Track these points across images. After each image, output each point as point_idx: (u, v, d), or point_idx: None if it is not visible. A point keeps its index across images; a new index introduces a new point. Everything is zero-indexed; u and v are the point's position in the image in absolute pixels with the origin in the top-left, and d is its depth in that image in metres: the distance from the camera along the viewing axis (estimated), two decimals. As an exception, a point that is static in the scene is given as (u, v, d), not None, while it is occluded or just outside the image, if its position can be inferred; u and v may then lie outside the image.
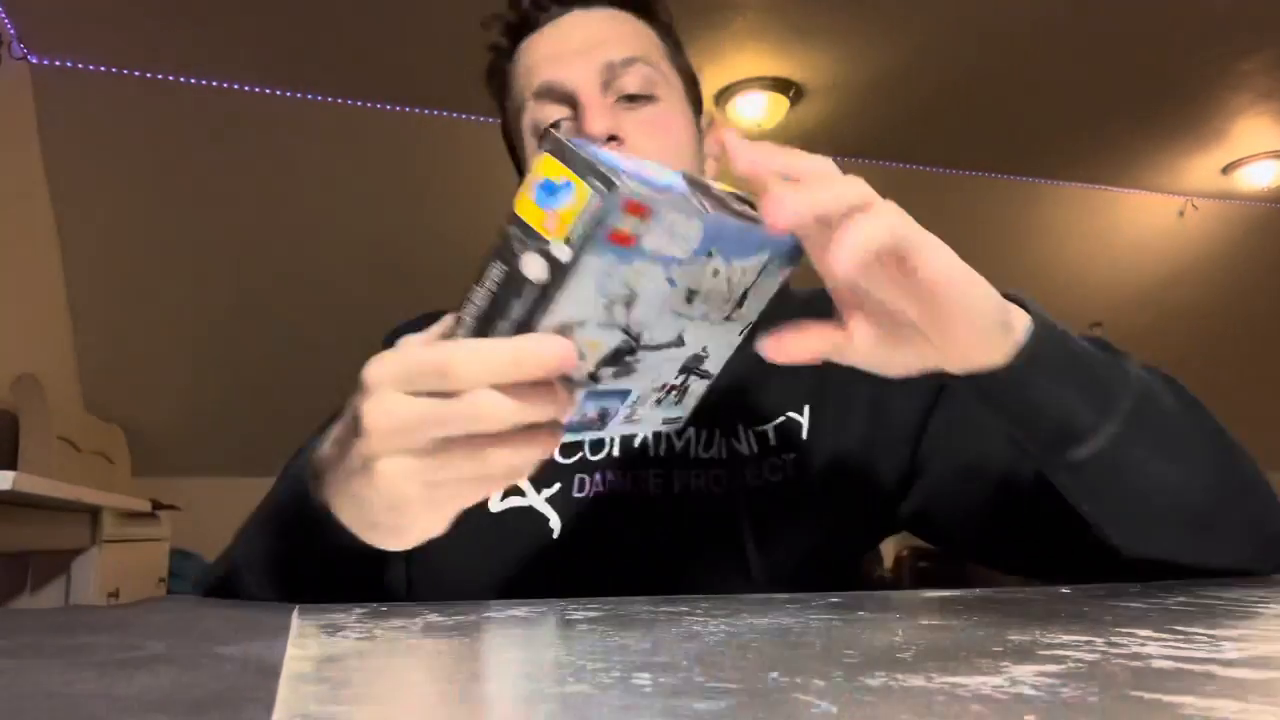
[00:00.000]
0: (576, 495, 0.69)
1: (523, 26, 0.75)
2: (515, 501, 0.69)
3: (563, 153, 0.35)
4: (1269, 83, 3.31)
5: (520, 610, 0.46)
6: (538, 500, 0.69)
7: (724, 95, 3.29)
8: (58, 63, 2.88)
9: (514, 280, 0.36)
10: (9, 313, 2.87)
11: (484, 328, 0.37)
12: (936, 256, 0.42)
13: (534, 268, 0.35)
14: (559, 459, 0.71)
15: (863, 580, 0.83)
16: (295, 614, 0.44)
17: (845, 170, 0.44)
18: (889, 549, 3.48)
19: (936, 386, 0.68)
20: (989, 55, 3.11)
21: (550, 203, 0.35)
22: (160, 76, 2.98)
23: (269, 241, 3.42)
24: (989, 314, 0.45)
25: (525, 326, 0.36)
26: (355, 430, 0.40)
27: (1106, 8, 2.83)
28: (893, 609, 0.45)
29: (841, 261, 0.39)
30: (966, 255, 0.45)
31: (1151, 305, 4.49)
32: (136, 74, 2.96)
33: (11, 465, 2.25)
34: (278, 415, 2.77)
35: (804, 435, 0.70)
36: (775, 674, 0.29)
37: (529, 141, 0.73)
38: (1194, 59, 3.14)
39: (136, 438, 3.56)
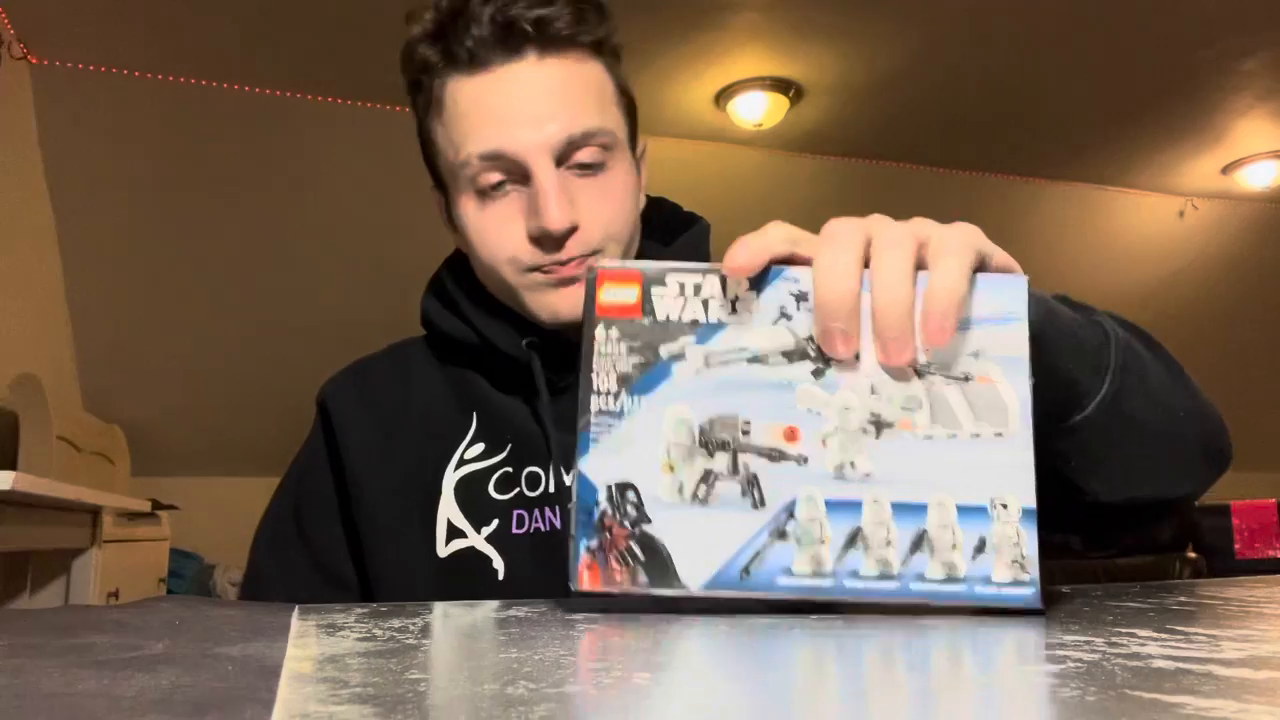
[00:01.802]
0: (515, 533, 0.69)
1: (460, 65, 0.67)
2: (460, 544, 0.69)
3: None
4: (1269, 83, 3.31)
5: (520, 610, 0.46)
6: (478, 540, 0.69)
7: (724, 95, 3.29)
8: (58, 63, 2.88)
9: None
10: (9, 313, 2.87)
11: None
12: (1002, 255, 0.48)
13: None
14: (494, 494, 0.70)
15: None
16: (295, 614, 0.44)
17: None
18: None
19: None
20: (989, 55, 3.11)
21: None
22: (160, 76, 2.98)
23: (269, 241, 3.42)
24: None
25: None
26: None
27: (1107, 8, 2.83)
28: (893, 610, 0.45)
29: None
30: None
31: (1151, 305, 4.49)
32: (136, 74, 2.96)
33: (11, 465, 2.25)
34: (278, 415, 2.77)
35: None
36: (776, 674, 0.29)
37: (466, 195, 0.70)
38: (1194, 59, 3.14)
39: (136, 438, 3.56)
